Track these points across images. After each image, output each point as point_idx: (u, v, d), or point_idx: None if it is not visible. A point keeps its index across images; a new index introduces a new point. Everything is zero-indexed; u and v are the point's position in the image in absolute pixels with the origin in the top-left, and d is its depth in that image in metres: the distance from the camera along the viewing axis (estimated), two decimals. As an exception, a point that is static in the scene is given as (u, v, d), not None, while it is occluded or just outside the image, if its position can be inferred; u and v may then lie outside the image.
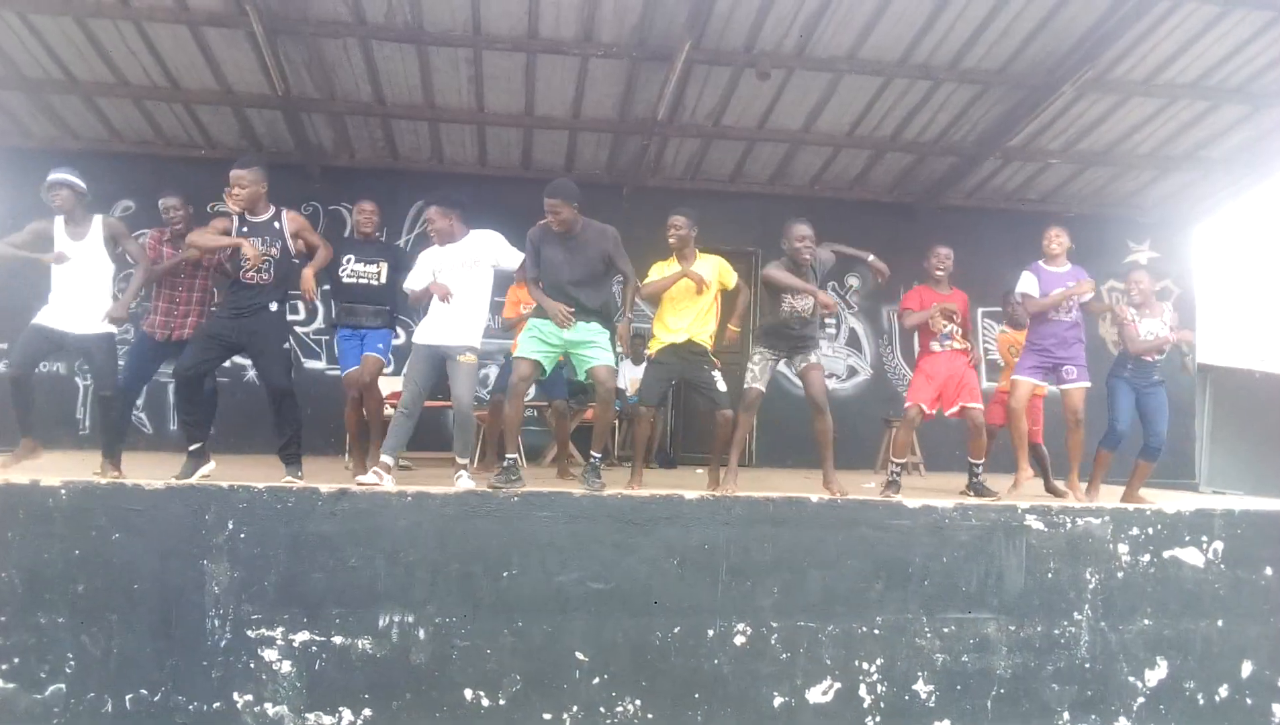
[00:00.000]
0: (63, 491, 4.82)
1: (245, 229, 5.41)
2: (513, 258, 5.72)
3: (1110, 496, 6.36)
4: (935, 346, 6.30)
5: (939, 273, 6.41)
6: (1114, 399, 6.40)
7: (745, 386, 5.93)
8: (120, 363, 5.73)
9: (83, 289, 5.37)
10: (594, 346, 5.50)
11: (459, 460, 5.54)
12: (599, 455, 5.67)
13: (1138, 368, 6.38)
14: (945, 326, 6.26)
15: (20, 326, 5.46)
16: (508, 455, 5.51)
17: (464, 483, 5.35)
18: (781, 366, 6.10)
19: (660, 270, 5.92)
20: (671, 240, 5.81)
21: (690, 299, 5.81)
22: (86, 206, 5.51)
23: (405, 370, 5.56)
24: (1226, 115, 8.88)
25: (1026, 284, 6.34)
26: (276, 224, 5.46)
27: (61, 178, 5.39)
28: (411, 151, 9.60)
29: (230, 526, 4.85)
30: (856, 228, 10.18)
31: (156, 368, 6.00)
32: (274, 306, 5.41)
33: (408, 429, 5.45)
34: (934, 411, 6.28)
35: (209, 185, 8.93)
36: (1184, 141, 9.34)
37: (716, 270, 5.90)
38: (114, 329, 5.45)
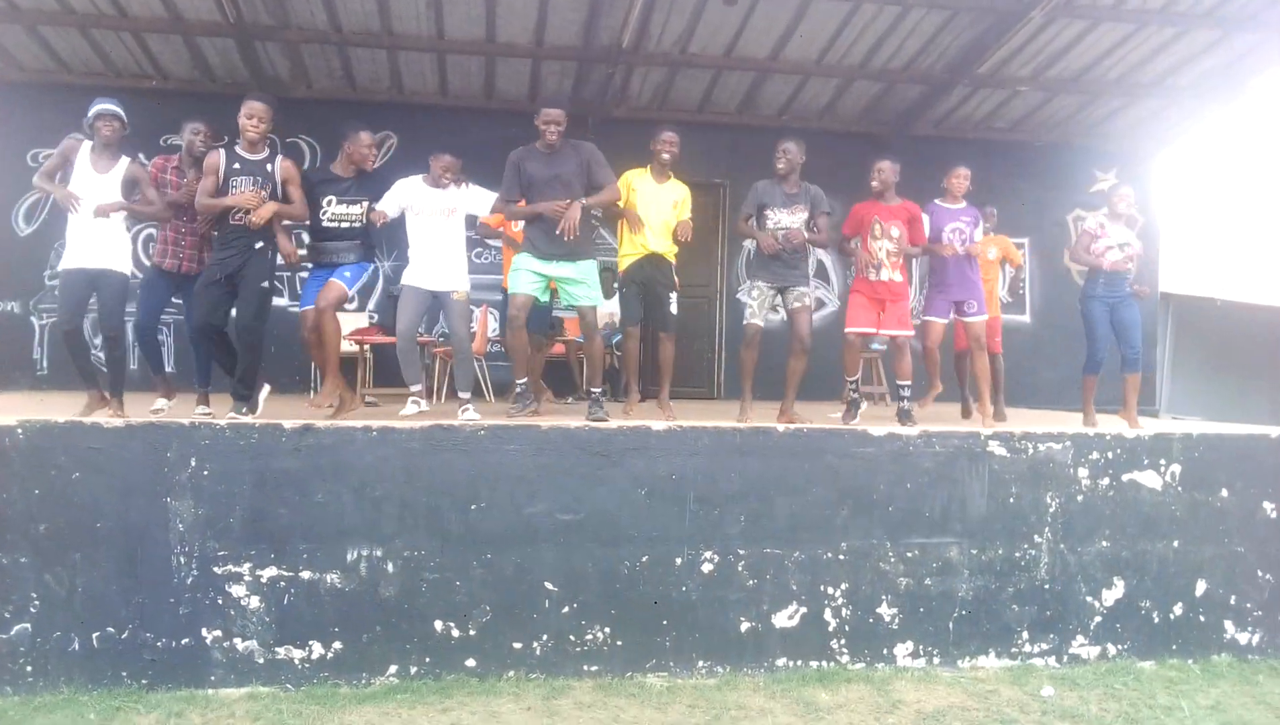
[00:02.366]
0: (19, 431, 4.74)
1: (237, 165, 5.36)
2: (486, 199, 5.87)
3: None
4: (871, 275, 6.26)
5: (875, 185, 6.33)
6: (1090, 324, 6.44)
7: (745, 322, 6.14)
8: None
9: (97, 223, 5.25)
10: (583, 285, 5.70)
11: (461, 395, 5.79)
12: (599, 389, 5.80)
13: (1109, 281, 6.37)
14: (880, 251, 6.23)
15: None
16: (518, 381, 5.79)
17: (470, 415, 5.45)
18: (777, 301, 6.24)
19: (631, 179, 6.10)
20: (666, 156, 6.06)
21: (663, 215, 6.04)
22: (119, 144, 5.44)
23: (398, 309, 5.76)
24: (1196, 40, 8.84)
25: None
26: (270, 166, 5.42)
27: (114, 109, 5.34)
28: (370, 82, 9.37)
29: (193, 464, 4.80)
30: (826, 158, 10.08)
31: (169, 299, 5.96)
32: (259, 245, 5.41)
33: (415, 357, 5.80)
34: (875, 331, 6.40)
35: (161, 118, 8.68)
36: (1153, 68, 9.30)
37: (685, 200, 6.15)
38: (125, 271, 5.38)
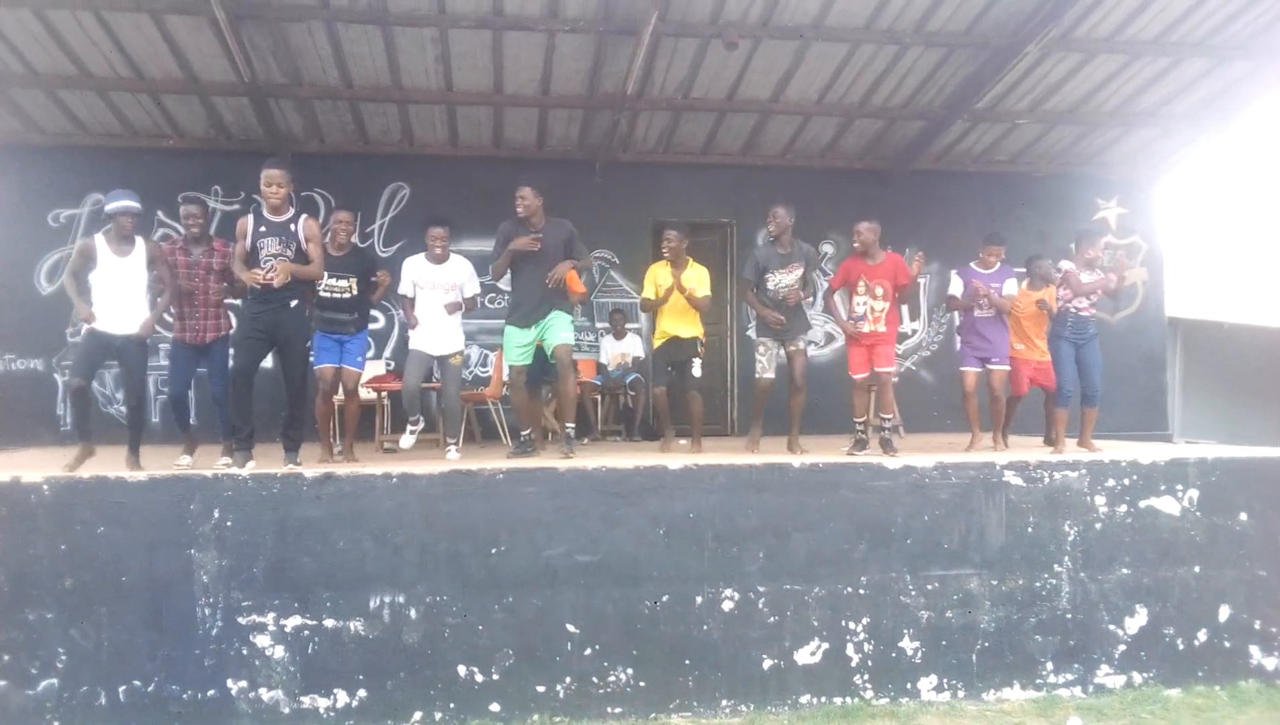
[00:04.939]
0: (45, 487, 4.80)
1: (263, 227, 5.62)
2: (475, 286, 6.79)
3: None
4: (854, 328, 6.74)
5: (856, 246, 6.75)
6: (1056, 359, 6.94)
7: (756, 377, 6.85)
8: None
9: (123, 298, 5.59)
10: (556, 328, 6.26)
11: (448, 441, 6.65)
12: (572, 425, 6.41)
13: (1076, 324, 6.91)
14: (861, 307, 6.68)
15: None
16: (523, 432, 6.46)
17: (452, 455, 6.33)
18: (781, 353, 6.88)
19: (654, 275, 6.97)
20: (665, 252, 6.96)
21: (680, 302, 6.89)
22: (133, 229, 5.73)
23: (405, 370, 6.71)
24: (1189, 70, 8.97)
25: (953, 286, 7.25)
26: (294, 226, 5.66)
27: (128, 206, 5.61)
28: (381, 135, 9.54)
29: (216, 515, 4.86)
30: (829, 195, 10.30)
31: (195, 369, 6.22)
32: (294, 303, 5.69)
33: (417, 404, 6.61)
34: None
35: (179, 176, 8.90)
36: (1148, 97, 9.43)
37: (700, 280, 6.93)
38: (145, 335, 5.70)
